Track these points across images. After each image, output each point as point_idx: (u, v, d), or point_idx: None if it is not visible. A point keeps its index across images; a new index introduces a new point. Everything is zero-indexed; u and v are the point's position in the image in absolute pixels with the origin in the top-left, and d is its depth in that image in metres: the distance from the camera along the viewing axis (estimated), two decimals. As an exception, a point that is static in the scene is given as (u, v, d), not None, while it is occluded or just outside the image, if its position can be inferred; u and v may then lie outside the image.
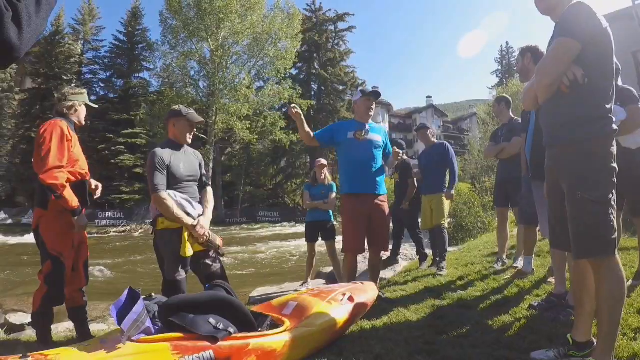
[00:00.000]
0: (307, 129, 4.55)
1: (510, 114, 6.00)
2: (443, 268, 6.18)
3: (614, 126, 2.43)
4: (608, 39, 2.43)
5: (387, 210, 4.69)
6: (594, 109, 2.42)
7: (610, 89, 2.46)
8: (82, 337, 3.70)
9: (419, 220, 7.40)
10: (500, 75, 67.10)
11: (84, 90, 4.11)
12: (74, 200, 3.48)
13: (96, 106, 4.16)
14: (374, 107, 4.75)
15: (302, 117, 4.46)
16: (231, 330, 2.65)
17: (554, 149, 2.62)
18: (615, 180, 2.44)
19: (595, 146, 2.41)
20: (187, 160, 3.87)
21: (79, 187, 3.72)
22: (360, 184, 4.54)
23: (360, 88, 5.03)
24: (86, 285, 3.96)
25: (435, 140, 6.95)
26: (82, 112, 3.94)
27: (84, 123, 3.98)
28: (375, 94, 4.79)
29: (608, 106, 2.43)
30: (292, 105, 4.46)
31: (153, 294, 2.99)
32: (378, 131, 4.78)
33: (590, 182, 2.39)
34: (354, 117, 4.83)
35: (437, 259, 6.55)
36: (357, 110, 4.77)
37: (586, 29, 2.38)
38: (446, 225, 6.74)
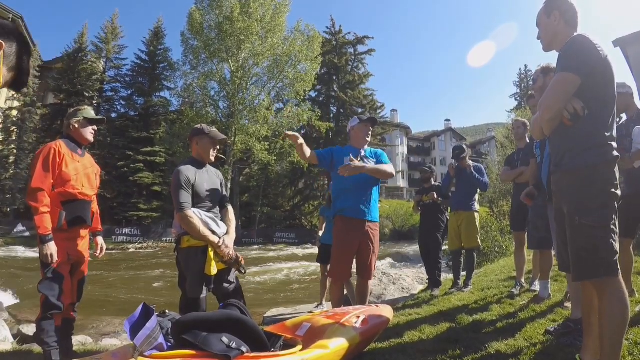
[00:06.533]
0: (306, 148, 4.41)
1: (527, 138, 5.96)
2: (469, 285, 6.48)
3: (615, 153, 2.49)
4: (608, 69, 2.51)
5: (377, 238, 4.62)
6: (594, 137, 2.48)
7: (611, 117, 2.53)
8: (64, 350, 3.74)
9: (443, 243, 7.29)
10: (519, 98, 66.52)
11: (84, 107, 4.13)
12: (43, 227, 3.54)
13: (97, 117, 4.10)
14: (370, 133, 4.75)
15: (299, 138, 4.33)
16: (244, 349, 2.63)
17: (557, 175, 2.69)
18: (616, 206, 2.49)
19: (595, 173, 2.46)
20: (210, 179, 3.95)
21: (71, 206, 3.80)
22: (354, 209, 4.48)
23: (357, 115, 5.01)
24: (78, 301, 4.03)
25: (472, 163, 6.91)
26: (83, 129, 3.98)
27: (89, 138, 4.03)
28: (372, 120, 4.82)
29: (608, 134, 2.50)
30: (286, 133, 4.30)
31: (167, 311, 3.01)
32: (373, 155, 4.74)
33: (589, 208, 2.44)
34: (350, 143, 4.78)
35: (466, 279, 6.64)
36: (353, 136, 4.74)
37: (586, 62, 2.45)
38: (481, 246, 6.71)
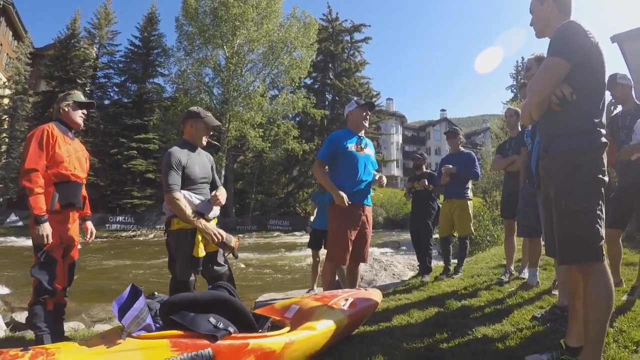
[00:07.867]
0: (328, 179, 4.56)
1: (519, 127, 5.98)
2: (459, 272, 6.59)
3: (603, 139, 2.49)
4: (598, 56, 2.50)
5: (371, 222, 4.69)
6: (583, 123, 2.49)
7: (600, 103, 2.54)
8: (56, 335, 3.73)
9: (434, 230, 7.31)
10: (515, 90, 66.35)
11: (73, 92, 4.14)
12: (37, 207, 3.52)
13: (85, 100, 4.10)
14: (368, 117, 4.76)
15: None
16: (231, 329, 2.66)
17: (545, 160, 2.70)
18: (603, 192, 2.50)
19: (582, 158, 2.47)
20: (201, 162, 3.92)
21: (64, 188, 3.80)
22: (357, 195, 4.50)
23: (354, 99, 4.97)
24: (68, 286, 4.01)
25: (463, 149, 6.96)
26: (73, 113, 3.98)
27: (79, 122, 4.03)
28: (370, 105, 4.80)
29: (597, 120, 2.50)
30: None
31: (156, 293, 3.02)
32: (371, 146, 4.80)
33: (576, 193, 2.46)
34: (348, 127, 4.76)
35: (457, 266, 6.75)
36: (352, 121, 4.72)
37: (575, 48, 2.45)
38: (474, 234, 6.75)
